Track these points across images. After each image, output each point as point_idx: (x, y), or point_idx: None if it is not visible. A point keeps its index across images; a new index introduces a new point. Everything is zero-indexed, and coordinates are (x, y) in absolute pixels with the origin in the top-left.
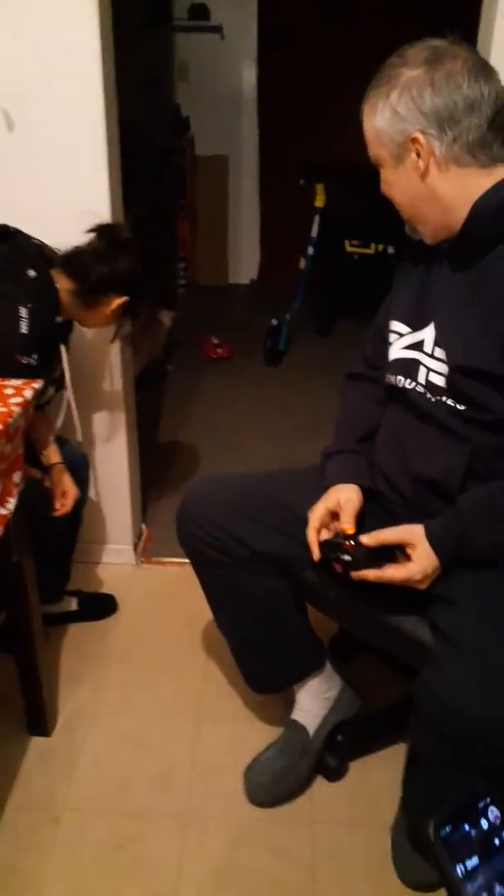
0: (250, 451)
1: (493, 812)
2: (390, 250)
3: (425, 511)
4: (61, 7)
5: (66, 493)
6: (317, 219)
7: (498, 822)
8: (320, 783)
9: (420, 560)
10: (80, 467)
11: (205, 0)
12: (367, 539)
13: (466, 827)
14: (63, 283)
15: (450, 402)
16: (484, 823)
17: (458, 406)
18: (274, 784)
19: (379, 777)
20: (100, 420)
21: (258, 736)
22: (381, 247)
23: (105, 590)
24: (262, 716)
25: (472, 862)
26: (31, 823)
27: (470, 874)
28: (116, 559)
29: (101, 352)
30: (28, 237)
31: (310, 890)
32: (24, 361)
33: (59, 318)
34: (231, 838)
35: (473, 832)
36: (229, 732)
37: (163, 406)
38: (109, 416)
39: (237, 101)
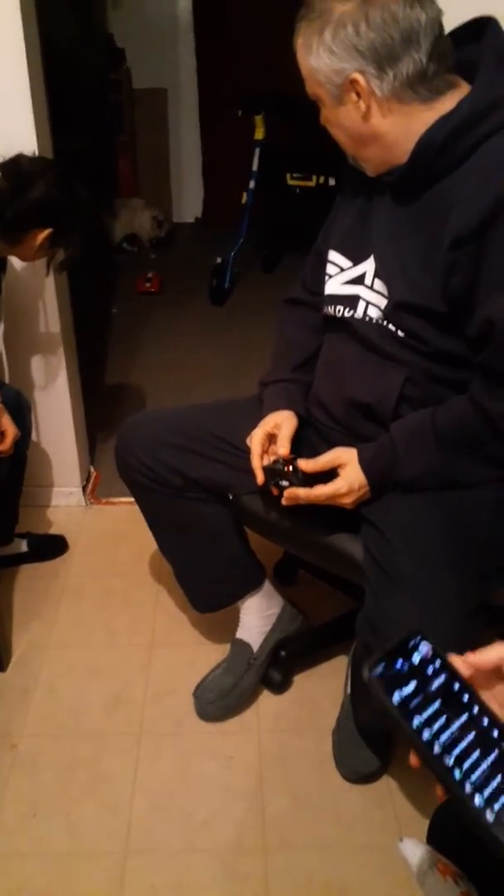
0: (196, 388)
1: (424, 646)
2: (332, 182)
3: (359, 435)
4: None
5: (5, 433)
6: (257, 152)
7: (430, 654)
8: (266, 696)
9: (347, 476)
10: (20, 409)
11: None
12: (304, 465)
13: (399, 663)
14: None
15: (391, 326)
16: (416, 658)
17: (398, 332)
18: (221, 700)
19: (320, 688)
20: (38, 363)
21: (207, 658)
22: (322, 179)
23: (55, 531)
24: (212, 639)
25: (409, 687)
26: None
27: (408, 697)
28: (66, 501)
29: (36, 293)
30: None
31: (257, 791)
32: None
33: None
34: (182, 752)
35: (406, 665)
36: (180, 656)
37: (108, 347)
38: (48, 358)
39: (173, 30)
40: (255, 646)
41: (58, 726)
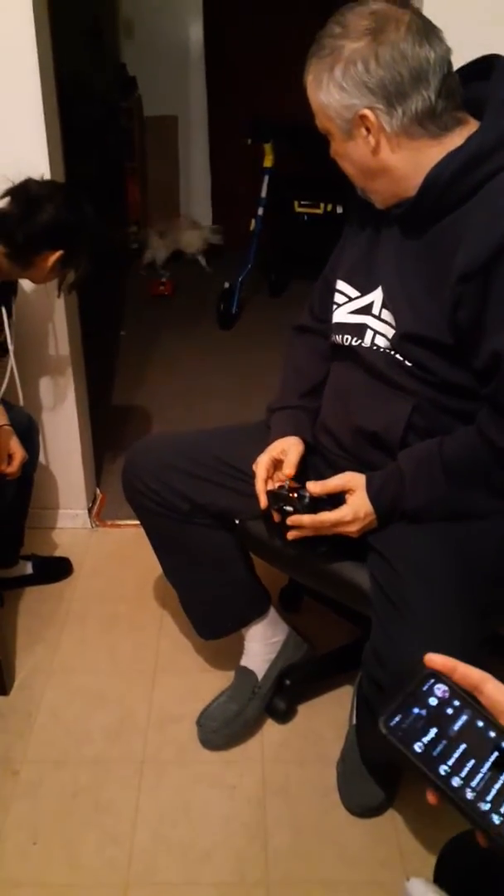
0: (202, 411)
1: (439, 688)
2: (339, 210)
3: (366, 463)
4: None
5: (13, 456)
6: (266, 179)
7: (447, 695)
8: (270, 725)
9: (353, 504)
10: (28, 431)
11: None
12: (313, 487)
13: (416, 710)
14: None
15: (398, 356)
16: (433, 701)
17: (406, 362)
18: (225, 728)
19: (325, 717)
20: (46, 385)
21: (212, 685)
22: (329, 206)
23: (60, 553)
24: (216, 665)
25: (430, 735)
26: None
27: (430, 744)
28: (71, 524)
29: (46, 316)
30: None
31: (261, 824)
32: None
33: None
34: (185, 781)
35: (424, 711)
36: (184, 683)
37: (116, 370)
38: (57, 381)
39: (184, 59)
40: (260, 674)
41: (60, 753)
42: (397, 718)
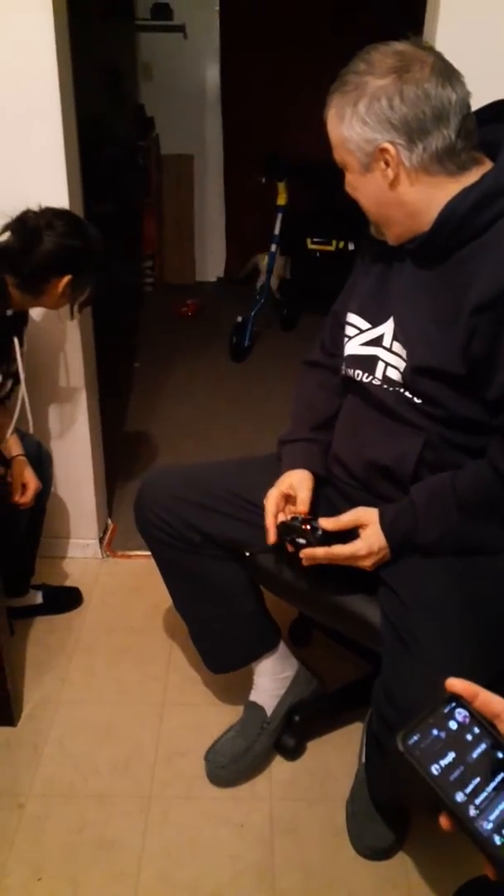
0: (214, 443)
1: (460, 713)
2: (351, 247)
3: (378, 494)
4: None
5: (26, 486)
6: (279, 217)
7: (467, 720)
8: (279, 762)
9: (367, 538)
10: (42, 461)
11: None
12: (326, 523)
13: (435, 731)
14: (8, 279)
15: (407, 393)
16: (453, 724)
17: (414, 399)
18: (233, 764)
19: (334, 755)
20: (60, 415)
21: (220, 719)
22: (341, 243)
23: (70, 583)
24: (225, 699)
25: (448, 759)
26: None
27: (447, 769)
28: (82, 553)
29: (59, 346)
30: None
31: (268, 863)
32: None
33: (9, 312)
34: (192, 817)
35: (443, 734)
36: (192, 717)
37: (129, 402)
38: (70, 411)
39: (201, 100)
40: (269, 709)
41: (66, 786)
42: (416, 737)
